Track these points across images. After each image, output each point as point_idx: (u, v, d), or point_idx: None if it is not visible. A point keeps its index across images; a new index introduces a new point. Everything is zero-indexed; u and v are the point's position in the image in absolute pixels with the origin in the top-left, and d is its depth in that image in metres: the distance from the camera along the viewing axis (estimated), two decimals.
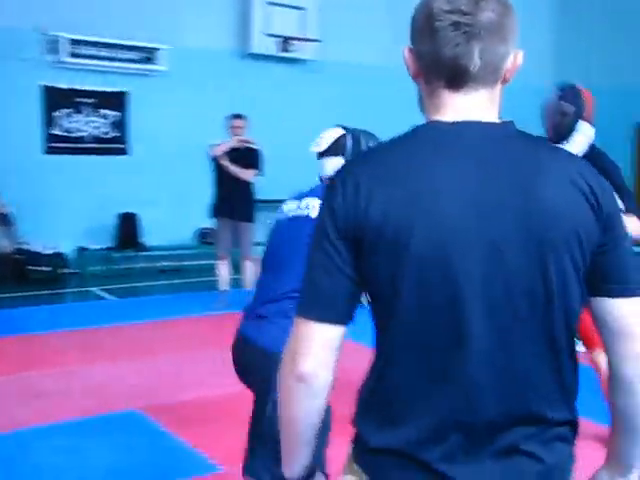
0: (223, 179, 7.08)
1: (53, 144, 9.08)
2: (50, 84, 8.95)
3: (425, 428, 1.32)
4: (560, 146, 1.52)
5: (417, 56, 1.37)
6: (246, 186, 7.04)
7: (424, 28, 1.32)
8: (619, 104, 12.58)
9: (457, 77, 1.33)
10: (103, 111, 9.36)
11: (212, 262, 9.69)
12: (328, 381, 1.37)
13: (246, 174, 7.03)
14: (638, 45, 12.30)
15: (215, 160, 7.06)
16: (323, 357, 1.35)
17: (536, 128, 10.54)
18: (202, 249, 9.93)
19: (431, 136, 1.35)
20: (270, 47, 10.27)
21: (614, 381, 1.40)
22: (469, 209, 1.28)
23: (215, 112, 9.85)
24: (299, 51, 10.45)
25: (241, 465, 2.85)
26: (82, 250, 9.14)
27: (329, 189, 1.36)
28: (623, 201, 2.81)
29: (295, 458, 1.49)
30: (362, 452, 1.41)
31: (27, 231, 8.67)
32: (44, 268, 8.67)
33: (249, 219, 7.10)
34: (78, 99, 9.13)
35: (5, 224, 8.36)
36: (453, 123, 1.34)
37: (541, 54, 13.51)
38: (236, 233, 7.17)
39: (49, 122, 9.02)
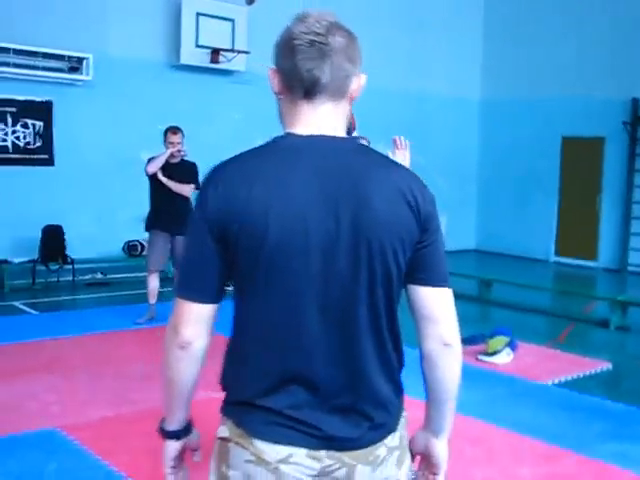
0: (158, 192, 6.96)
1: None
2: None
3: (271, 385, 1.60)
4: (395, 160, 1.74)
5: (280, 73, 1.63)
6: (183, 200, 6.90)
7: (286, 48, 1.59)
8: (546, 116, 12.93)
9: (311, 87, 1.58)
10: (26, 120, 9.13)
11: (139, 274, 9.60)
12: (204, 347, 1.65)
13: (184, 189, 6.90)
14: (561, 60, 12.63)
15: (151, 176, 6.99)
16: (199, 329, 1.63)
17: (467, 136, 10.66)
18: (129, 262, 9.80)
19: (284, 146, 1.61)
20: (199, 58, 10.22)
21: (422, 358, 1.67)
22: (309, 210, 1.53)
23: (143, 123, 9.80)
24: (229, 62, 10.40)
25: None
26: (3, 263, 8.87)
27: (201, 189, 1.61)
28: None
29: (175, 414, 1.75)
30: (225, 404, 1.69)
31: None
32: None
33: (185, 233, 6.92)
34: (1, 108, 8.88)
35: None
36: (306, 136, 1.60)
37: (471, 70, 13.81)
38: (170, 247, 7.04)
39: None
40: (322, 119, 1.61)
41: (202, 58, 10.23)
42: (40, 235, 9.04)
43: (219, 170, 1.61)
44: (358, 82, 1.64)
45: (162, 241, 7.02)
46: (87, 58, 9.28)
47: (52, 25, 9.12)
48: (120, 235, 9.73)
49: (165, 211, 6.91)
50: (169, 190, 6.90)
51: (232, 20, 10.39)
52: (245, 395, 1.63)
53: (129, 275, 9.67)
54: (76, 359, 5.99)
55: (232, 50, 10.36)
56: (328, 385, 1.60)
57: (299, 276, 1.55)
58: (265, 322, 1.60)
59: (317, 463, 1.60)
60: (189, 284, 1.63)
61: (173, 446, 1.79)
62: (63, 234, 9.16)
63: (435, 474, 1.79)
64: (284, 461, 1.59)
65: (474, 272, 9.94)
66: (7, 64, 8.75)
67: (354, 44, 1.62)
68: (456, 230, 12.00)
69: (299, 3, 11.31)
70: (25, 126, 9.15)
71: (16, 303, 8.17)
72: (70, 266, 9.18)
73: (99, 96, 9.56)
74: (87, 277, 9.44)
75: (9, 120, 9.01)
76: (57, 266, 9.10)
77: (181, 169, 6.97)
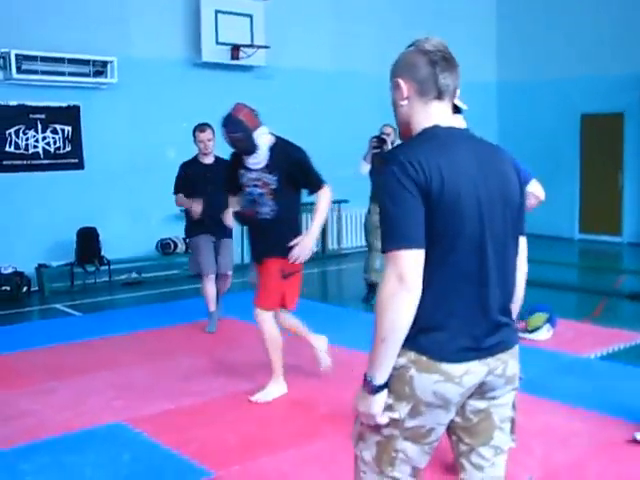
0: (202, 196, 6.60)
1: (6, 162, 8.96)
2: (0, 102, 8.85)
3: (471, 321, 2.07)
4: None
5: (414, 81, 2.14)
6: (225, 202, 6.69)
7: (421, 61, 2.13)
8: (563, 95, 12.97)
9: (443, 92, 2.14)
10: (55, 126, 9.28)
11: (173, 272, 9.77)
12: (420, 288, 1.97)
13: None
14: (576, 38, 12.66)
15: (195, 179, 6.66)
16: (420, 273, 1.97)
17: (486, 118, 10.62)
18: (163, 260, 9.95)
19: (441, 134, 2.12)
20: (220, 55, 10.34)
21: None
22: (477, 173, 2.08)
23: (168, 122, 9.95)
24: (249, 58, 10.52)
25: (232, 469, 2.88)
26: (42, 267, 9.04)
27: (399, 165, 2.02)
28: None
29: (388, 365, 2.02)
30: (417, 335, 2.01)
31: None
32: (4, 287, 8.57)
33: (230, 235, 6.77)
34: (30, 115, 9.04)
35: None
36: (446, 128, 2.14)
37: (486, 52, 13.86)
38: (216, 250, 6.80)
39: (1, 140, 8.90)
40: (448, 112, 2.20)
41: (223, 55, 10.35)
42: (75, 238, 9.20)
43: (409, 151, 2.07)
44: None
45: (208, 244, 6.76)
46: (111, 61, 9.40)
47: (76, 31, 9.23)
48: (153, 234, 9.89)
49: (207, 215, 6.56)
50: (211, 193, 6.45)
51: (250, 16, 10.49)
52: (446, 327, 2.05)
53: (163, 273, 9.83)
54: (128, 356, 6.13)
55: (251, 45, 10.47)
56: (494, 306, 2.11)
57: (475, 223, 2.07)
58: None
59: (486, 367, 2.10)
60: (406, 235, 1.95)
61: (382, 397, 2.05)
62: (98, 236, 9.31)
63: None
64: (466, 373, 2.06)
65: None
66: (35, 72, 8.87)
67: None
68: None
69: None
70: (54, 132, 9.29)
71: (58, 305, 8.35)
72: (106, 267, 9.33)
73: (124, 98, 9.70)
74: (123, 277, 9.59)
75: (39, 127, 9.15)
76: (93, 268, 9.26)
77: (217, 169, 6.44)
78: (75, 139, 9.46)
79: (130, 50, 9.70)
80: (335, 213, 11.81)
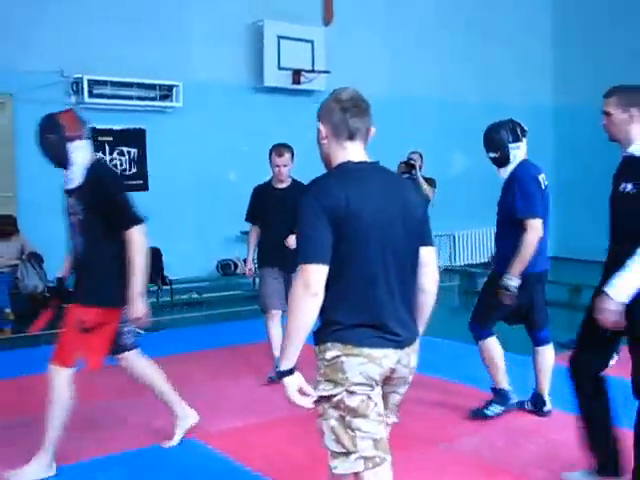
0: (271, 225, 5.98)
1: None
2: None
3: (383, 319, 2.56)
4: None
5: (330, 126, 2.61)
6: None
7: (335, 108, 2.60)
8: None
9: (354, 134, 2.61)
10: (122, 148, 9.55)
11: (233, 293, 9.91)
12: (322, 295, 2.46)
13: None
14: (634, 61, 12.56)
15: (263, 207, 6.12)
16: (323, 283, 2.46)
17: (542, 142, 10.54)
18: (223, 281, 10.10)
19: (351, 168, 2.61)
20: (282, 80, 10.53)
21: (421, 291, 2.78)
22: (381, 198, 2.57)
23: (230, 145, 10.18)
24: (310, 83, 10.68)
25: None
26: None
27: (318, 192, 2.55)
28: None
29: (295, 354, 2.48)
30: (333, 331, 2.53)
31: (56, 270, 8.76)
32: None
33: None
34: (99, 138, 9.32)
35: (36, 264, 8.46)
36: (357, 162, 2.62)
37: (542, 77, 13.82)
38: (285, 285, 5.81)
39: None
40: (359, 151, 2.65)
41: (284, 79, 10.55)
42: None
43: (326, 184, 2.58)
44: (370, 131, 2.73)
45: (274, 278, 5.99)
46: (177, 86, 9.66)
47: (144, 56, 9.53)
48: (213, 254, 10.08)
49: (276, 245, 5.84)
50: (282, 222, 5.74)
51: (311, 41, 10.69)
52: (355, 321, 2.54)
53: (223, 294, 9.96)
54: (191, 374, 6.17)
55: (312, 71, 10.65)
56: (398, 306, 2.60)
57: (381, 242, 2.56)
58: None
59: (397, 356, 2.59)
60: (313, 252, 2.45)
61: (292, 380, 2.51)
62: (161, 256, 9.50)
63: None
64: (385, 357, 2.55)
65: (562, 278, 9.92)
66: (105, 96, 9.19)
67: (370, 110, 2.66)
68: None
69: (372, 22, 11.63)
70: (121, 154, 9.57)
71: None
72: (168, 287, 9.50)
73: (188, 121, 9.93)
74: (184, 297, 9.75)
75: (107, 149, 9.43)
76: (156, 287, 9.42)
77: (291, 195, 5.74)
78: (140, 161, 9.72)
79: (194, 75, 9.94)
80: None
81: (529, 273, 4.73)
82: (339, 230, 2.46)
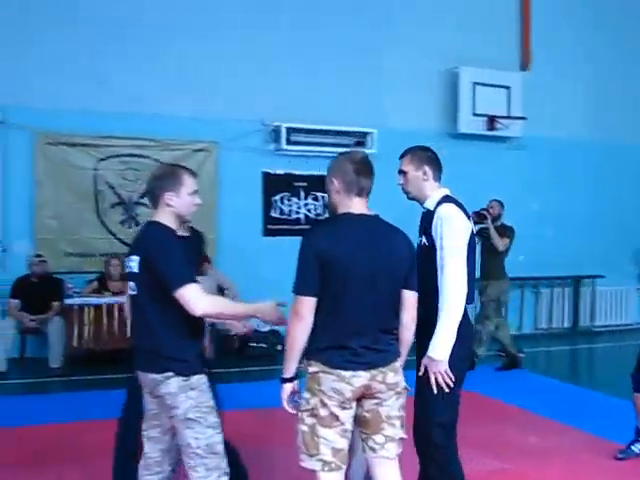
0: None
1: (271, 226, 9.64)
2: (270, 170, 9.59)
3: (355, 344, 3.07)
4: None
5: (343, 183, 3.14)
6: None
7: (350, 169, 3.16)
8: None
9: (362, 191, 3.17)
10: (316, 193, 9.80)
11: None
12: (310, 320, 3.04)
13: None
14: None
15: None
16: (312, 311, 3.05)
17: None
18: None
19: (347, 219, 3.14)
20: (476, 126, 10.38)
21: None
22: (369, 246, 3.10)
23: None
24: (505, 129, 10.47)
25: None
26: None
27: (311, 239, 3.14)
28: None
29: (293, 365, 3.10)
30: (316, 351, 3.06)
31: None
32: (260, 344, 9.06)
33: None
34: (294, 183, 9.66)
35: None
36: (357, 214, 3.15)
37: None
38: None
39: (268, 206, 9.62)
40: (364, 205, 3.20)
41: (478, 126, 10.41)
42: None
43: (315, 232, 3.25)
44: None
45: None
46: (371, 133, 9.81)
47: (339, 104, 9.77)
48: None
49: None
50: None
51: (508, 87, 10.49)
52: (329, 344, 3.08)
53: None
54: None
55: (508, 117, 10.44)
56: (371, 335, 3.11)
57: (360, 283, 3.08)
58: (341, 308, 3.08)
59: (369, 374, 3.09)
60: (304, 285, 3.03)
61: (289, 387, 3.14)
62: None
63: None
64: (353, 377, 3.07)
65: None
66: (301, 143, 9.54)
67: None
68: None
69: (570, 67, 11.14)
70: (315, 199, 9.84)
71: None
72: None
73: (382, 167, 9.93)
74: None
75: (302, 194, 9.73)
76: None
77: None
78: None
79: (388, 121, 10.04)
80: (589, 288, 11.32)
81: None
82: (323, 269, 2.99)
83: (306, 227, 9.69)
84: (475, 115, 10.34)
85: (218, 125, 9.27)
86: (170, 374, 3.12)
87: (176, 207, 3.25)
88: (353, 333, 3.04)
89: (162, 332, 3.13)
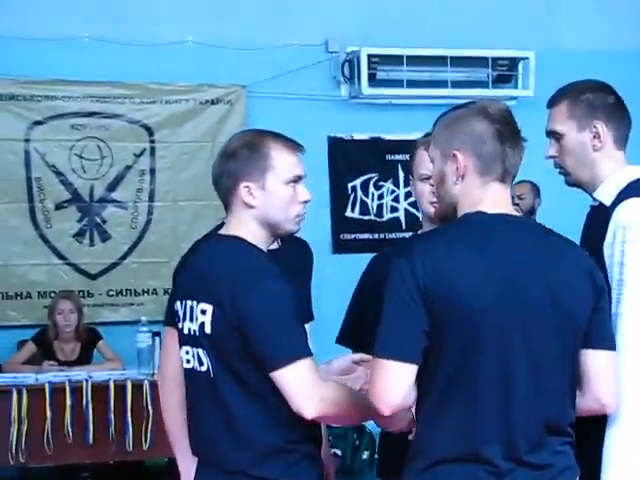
0: None
1: (347, 235, 6.71)
2: (343, 135, 6.54)
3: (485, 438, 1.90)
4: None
5: (475, 158, 1.78)
6: None
7: (488, 132, 1.77)
8: None
9: (509, 173, 1.82)
10: None
11: None
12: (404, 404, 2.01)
13: None
14: None
15: None
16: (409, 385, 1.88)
17: None
18: None
19: (479, 225, 1.80)
20: None
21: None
22: (515, 276, 1.79)
23: None
24: None
25: None
26: None
27: None
28: None
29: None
30: (421, 469, 1.84)
31: None
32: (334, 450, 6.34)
33: None
34: (387, 157, 6.42)
35: None
36: (493, 215, 1.78)
37: None
38: None
39: (340, 199, 6.60)
40: (506, 197, 1.86)
41: None
42: None
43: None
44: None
45: None
46: (525, 59, 6.50)
47: (466, 14, 6.47)
48: None
49: None
50: None
51: None
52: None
53: None
54: None
55: None
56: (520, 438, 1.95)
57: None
58: None
59: None
60: (397, 345, 1.82)
61: None
62: None
63: None
64: None
65: None
66: (396, 84, 6.35)
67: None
68: None
69: None
70: None
71: None
72: None
73: (542, 123, 6.70)
74: None
75: (400, 176, 6.48)
76: None
77: None
78: None
79: (556, 38, 6.71)
80: None
81: None
82: (434, 318, 1.77)
83: (407, 235, 6.09)
84: None
85: (246, 56, 6.08)
86: None
87: (260, 208, 1.99)
88: (492, 435, 1.72)
89: (254, 434, 1.99)
